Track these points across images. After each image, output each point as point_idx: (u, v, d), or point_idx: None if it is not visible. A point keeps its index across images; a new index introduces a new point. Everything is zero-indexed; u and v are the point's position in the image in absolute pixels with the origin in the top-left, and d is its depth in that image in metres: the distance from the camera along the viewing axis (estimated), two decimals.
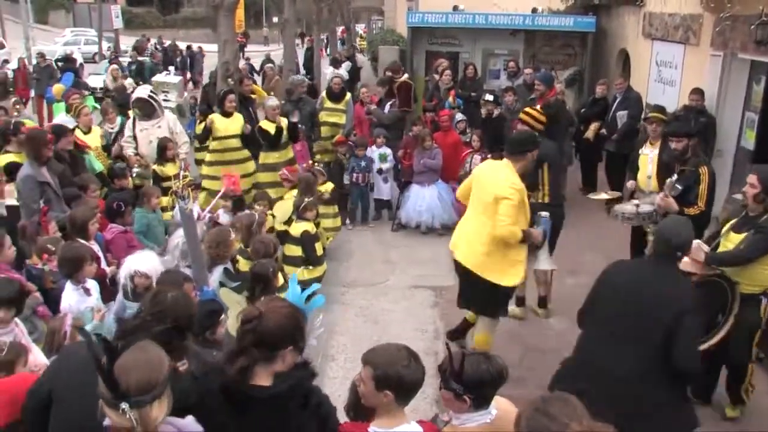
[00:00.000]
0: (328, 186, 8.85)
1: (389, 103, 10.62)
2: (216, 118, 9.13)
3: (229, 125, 9.10)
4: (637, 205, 6.46)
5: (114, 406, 2.27)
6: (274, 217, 7.88)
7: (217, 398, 2.71)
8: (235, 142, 9.16)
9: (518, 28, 14.36)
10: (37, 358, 4.18)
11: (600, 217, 9.66)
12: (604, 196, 7.53)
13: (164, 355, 2.47)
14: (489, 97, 10.74)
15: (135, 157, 8.55)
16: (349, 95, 10.76)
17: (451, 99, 11.22)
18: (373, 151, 10.18)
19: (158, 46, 27.76)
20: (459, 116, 10.75)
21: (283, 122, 9.25)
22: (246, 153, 9.29)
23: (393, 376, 2.89)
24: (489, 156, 9.86)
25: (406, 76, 10.92)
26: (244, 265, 6.44)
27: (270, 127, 9.19)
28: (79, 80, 14.49)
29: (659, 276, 4.13)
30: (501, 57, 14.82)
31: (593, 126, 11.00)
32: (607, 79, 12.35)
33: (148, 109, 8.85)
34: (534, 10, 14.79)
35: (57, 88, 12.15)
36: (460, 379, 3.04)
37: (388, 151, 10.23)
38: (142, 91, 9.26)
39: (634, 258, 6.85)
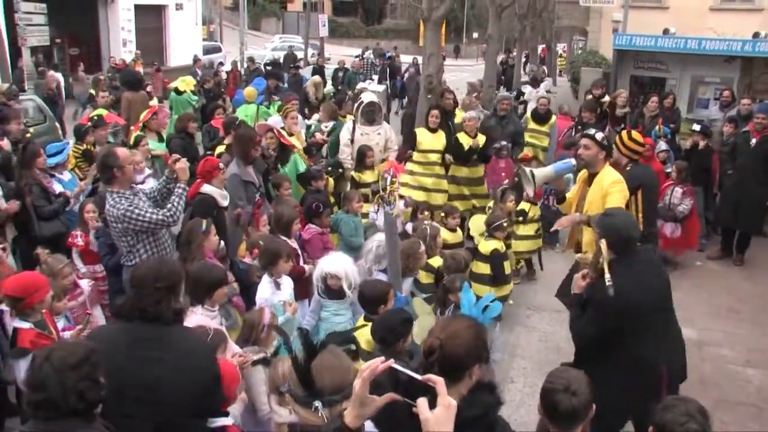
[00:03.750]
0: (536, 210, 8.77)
1: (607, 129, 10.27)
2: (420, 132, 9.29)
3: (433, 140, 9.19)
4: None
5: (306, 404, 2.33)
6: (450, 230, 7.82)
7: (405, 412, 2.74)
8: (435, 157, 9.23)
9: (735, 54, 13.43)
10: (232, 347, 4.41)
11: None
12: None
13: (351, 365, 2.55)
14: (696, 127, 10.17)
15: (349, 161, 8.96)
16: (554, 117, 10.56)
17: (657, 127, 10.70)
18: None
19: (363, 56, 28.66)
20: (662, 146, 10.24)
21: (481, 139, 9.21)
22: (443, 170, 9.37)
23: (546, 398, 2.95)
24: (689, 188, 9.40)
25: (607, 97, 10.57)
26: (424, 277, 6.51)
27: (465, 141, 9.20)
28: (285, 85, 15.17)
29: None
30: (711, 85, 13.95)
31: None
32: None
33: (372, 115, 9.21)
34: (756, 35, 13.83)
35: (249, 91, 12.72)
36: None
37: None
38: (372, 96, 9.65)
39: None
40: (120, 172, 5.29)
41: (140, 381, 3.19)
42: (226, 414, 3.57)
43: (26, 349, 4.32)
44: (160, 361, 3.24)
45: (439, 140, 9.23)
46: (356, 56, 26.80)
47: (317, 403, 2.34)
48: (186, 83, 13.84)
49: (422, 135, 9.24)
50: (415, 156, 9.26)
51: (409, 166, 9.37)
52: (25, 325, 4.40)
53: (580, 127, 10.74)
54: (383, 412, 2.37)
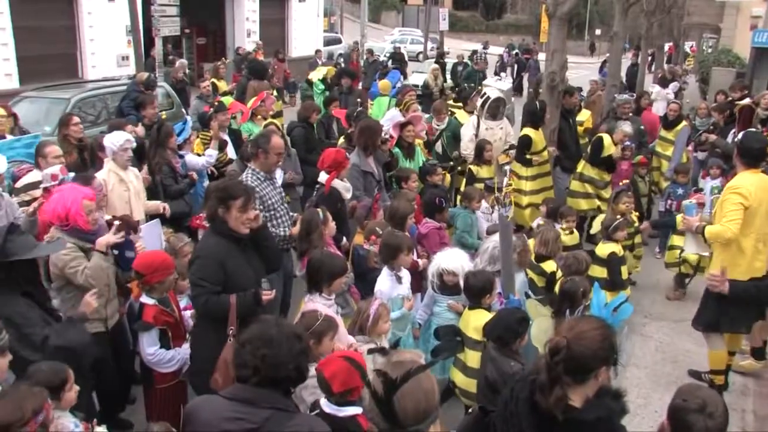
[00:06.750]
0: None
1: (732, 132, 9.72)
2: (530, 132, 9.08)
3: (541, 137, 9.09)
4: None
5: None
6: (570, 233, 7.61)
7: (525, 408, 2.67)
8: (547, 154, 9.13)
9: None
10: (344, 337, 4.44)
11: None
12: None
13: (435, 380, 2.53)
14: None
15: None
16: (684, 123, 10.11)
17: None
18: (707, 182, 9.32)
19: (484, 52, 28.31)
20: None
21: (618, 150, 9.02)
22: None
23: (677, 417, 2.77)
24: None
25: (747, 99, 9.97)
26: (537, 281, 6.33)
27: (609, 147, 9.00)
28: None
29: None
30: None
31: None
32: None
33: (497, 110, 9.20)
34: None
35: (384, 84, 12.89)
36: None
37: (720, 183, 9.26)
38: (496, 92, 9.67)
39: None
40: (264, 155, 5.63)
41: None
42: (355, 403, 3.57)
43: (150, 323, 4.53)
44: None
45: (542, 135, 9.16)
46: (473, 51, 26.50)
47: None
48: (321, 72, 14.22)
49: (535, 136, 9.07)
50: (532, 158, 9.08)
51: (528, 171, 9.14)
52: (150, 301, 4.60)
53: (712, 127, 10.25)
54: None
